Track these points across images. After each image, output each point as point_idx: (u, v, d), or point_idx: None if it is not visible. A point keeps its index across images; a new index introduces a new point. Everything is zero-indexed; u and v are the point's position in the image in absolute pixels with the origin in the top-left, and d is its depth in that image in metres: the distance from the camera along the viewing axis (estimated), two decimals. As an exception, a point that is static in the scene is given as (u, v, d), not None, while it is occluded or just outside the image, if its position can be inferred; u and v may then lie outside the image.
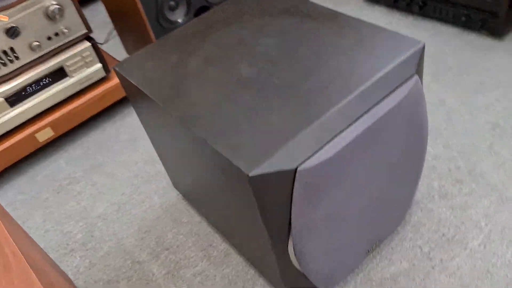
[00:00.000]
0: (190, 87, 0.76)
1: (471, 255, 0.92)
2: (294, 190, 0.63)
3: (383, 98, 0.68)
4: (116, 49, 1.80)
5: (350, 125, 0.66)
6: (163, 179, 1.22)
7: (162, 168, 1.26)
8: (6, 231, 0.61)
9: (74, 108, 1.34)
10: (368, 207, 0.79)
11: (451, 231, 0.96)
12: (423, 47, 0.73)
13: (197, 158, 0.76)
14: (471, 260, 0.91)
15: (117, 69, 0.86)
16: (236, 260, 0.99)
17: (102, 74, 1.37)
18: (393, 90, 0.69)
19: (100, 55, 1.34)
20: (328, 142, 0.64)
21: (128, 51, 1.75)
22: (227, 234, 0.97)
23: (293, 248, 0.70)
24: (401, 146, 0.76)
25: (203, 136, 0.67)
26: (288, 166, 0.61)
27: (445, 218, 0.99)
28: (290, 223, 0.68)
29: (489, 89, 1.26)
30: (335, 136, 0.65)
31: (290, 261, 0.76)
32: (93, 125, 1.47)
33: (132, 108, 1.50)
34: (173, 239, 1.07)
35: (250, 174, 0.59)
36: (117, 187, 1.24)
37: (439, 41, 1.47)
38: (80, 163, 1.34)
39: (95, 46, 1.31)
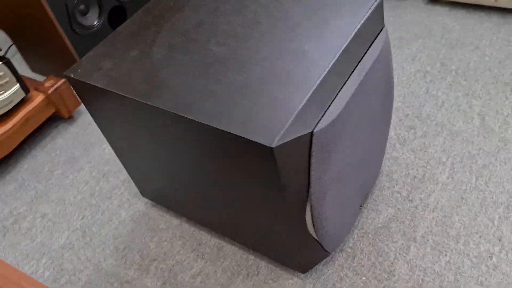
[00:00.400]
0: (166, 77, 0.72)
1: (443, 188, 1.00)
2: (312, 152, 0.63)
3: (366, 51, 0.71)
4: (17, 67, 1.62)
5: (345, 83, 0.68)
6: (124, 191, 1.14)
7: (119, 181, 1.17)
8: (15, 268, 0.53)
9: (-2, 138, 1.18)
10: (362, 161, 0.81)
11: (420, 172, 1.04)
12: (382, 0, 0.77)
13: (191, 148, 0.72)
14: (445, 193, 0.99)
15: (71, 75, 0.77)
16: (232, 250, 0.97)
17: (22, 95, 1.23)
18: (372, 43, 0.72)
19: (17, 74, 1.19)
20: (331, 102, 0.65)
21: (33, 67, 1.58)
22: (217, 227, 0.94)
23: (311, 214, 0.71)
24: (381, 97, 0.80)
25: (203, 121, 0.63)
26: (304, 130, 0.61)
27: (411, 162, 1.06)
28: (308, 190, 0.68)
29: (409, 42, 1.37)
30: (336, 96, 0.66)
31: (304, 231, 0.76)
32: (21, 154, 1.31)
33: (61, 127, 1.37)
34: (158, 248, 1.00)
35: (273, 145, 0.58)
36: (73, 212, 1.12)
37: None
38: (19, 197, 1.19)
39: (9, 65, 1.17)
